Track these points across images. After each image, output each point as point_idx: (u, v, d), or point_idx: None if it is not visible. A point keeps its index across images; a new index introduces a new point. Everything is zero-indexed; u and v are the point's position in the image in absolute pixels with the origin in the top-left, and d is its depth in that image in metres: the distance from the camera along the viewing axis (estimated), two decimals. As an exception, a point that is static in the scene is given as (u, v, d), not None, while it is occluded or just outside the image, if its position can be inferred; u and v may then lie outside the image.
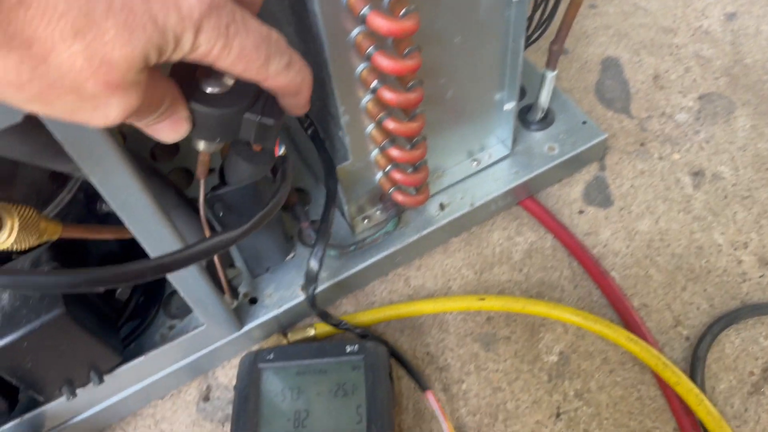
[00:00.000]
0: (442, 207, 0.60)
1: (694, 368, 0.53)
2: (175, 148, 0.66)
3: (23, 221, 0.33)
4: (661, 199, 0.63)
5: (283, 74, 0.31)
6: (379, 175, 0.55)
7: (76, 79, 0.23)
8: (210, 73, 0.33)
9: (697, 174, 0.64)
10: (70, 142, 0.32)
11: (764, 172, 0.64)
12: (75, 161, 0.33)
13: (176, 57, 0.27)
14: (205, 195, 0.43)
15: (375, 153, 0.52)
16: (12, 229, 0.32)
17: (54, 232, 0.35)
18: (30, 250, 0.43)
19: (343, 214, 0.59)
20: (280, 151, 0.40)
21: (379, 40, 0.42)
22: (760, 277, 0.57)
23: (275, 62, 0.31)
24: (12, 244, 0.32)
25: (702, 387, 0.52)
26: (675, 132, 0.68)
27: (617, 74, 0.73)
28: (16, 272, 0.24)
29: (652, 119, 0.69)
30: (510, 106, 0.56)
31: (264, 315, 0.55)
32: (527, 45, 0.55)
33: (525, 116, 0.63)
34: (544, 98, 0.61)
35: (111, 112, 0.25)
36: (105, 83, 0.24)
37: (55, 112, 0.25)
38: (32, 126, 0.33)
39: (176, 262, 0.30)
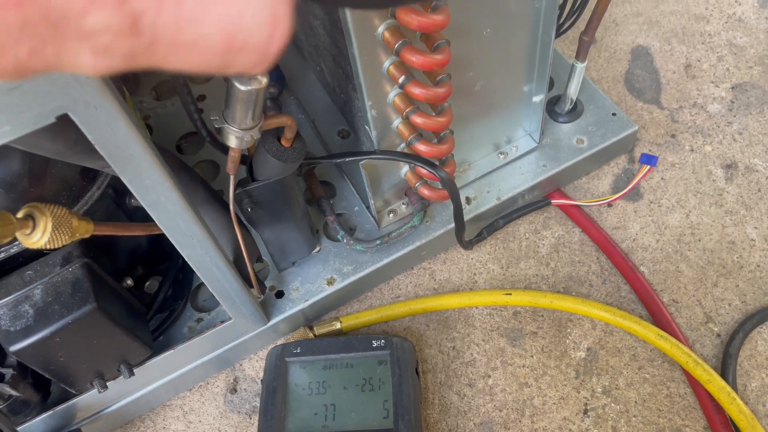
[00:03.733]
0: (468, 201, 0.59)
1: (726, 366, 0.52)
2: (201, 141, 0.66)
3: (56, 220, 0.33)
4: (692, 193, 0.62)
5: None
6: (405, 169, 0.55)
7: None
8: None
9: (730, 166, 0.63)
10: (101, 141, 0.32)
11: (800, 164, 0.62)
12: (106, 161, 0.33)
13: None
14: (235, 190, 0.43)
15: (402, 147, 0.52)
16: (45, 228, 0.32)
17: (86, 230, 0.36)
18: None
19: (368, 208, 0.59)
20: None
21: (408, 34, 0.42)
22: (795, 273, 0.56)
23: None
24: (45, 243, 0.33)
25: (734, 385, 0.51)
26: (707, 123, 0.66)
27: (647, 63, 0.71)
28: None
29: (683, 110, 0.67)
30: (539, 98, 0.55)
31: (290, 309, 0.55)
32: (557, 35, 0.54)
33: (553, 108, 0.62)
34: (573, 89, 0.60)
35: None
36: None
37: None
38: (63, 125, 0.34)
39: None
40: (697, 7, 0.75)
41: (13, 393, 0.44)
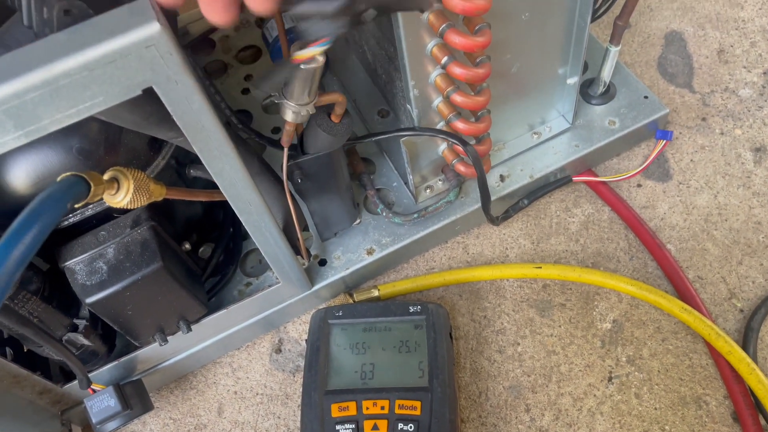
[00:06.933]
0: (502, 178, 0.62)
1: (747, 339, 0.54)
2: (249, 118, 0.70)
3: (137, 183, 0.37)
4: (721, 174, 0.64)
5: None
6: (443, 147, 0.58)
7: None
8: None
9: (759, 150, 0.65)
10: (178, 113, 0.36)
11: (829, 149, 0.64)
12: (180, 131, 0.37)
13: None
14: (287, 162, 0.47)
15: (440, 125, 0.55)
16: (128, 190, 0.36)
17: (159, 193, 0.40)
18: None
19: (407, 183, 0.62)
20: None
21: (451, 18, 0.44)
22: (819, 253, 0.58)
23: None
24: (127, 203, 0.37)
25: (754, 357, 0.53)
26: (738, 107, 0.68)
27: (680, 49, 0.73)
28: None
29: (714, 94, 0.69)
30: (573, 80, 0.58)
31: (332, 276, 0.59)
32: (593, 20, 0.56)
33: (586, 90, 0.65)
34: (607, 73, 0.62)
35: None
36: None
37: None
38: (142, 98, 0.37)
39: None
40: (732, -8, 0.76)
41: (85, 342, 0.49)
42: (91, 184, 0.33)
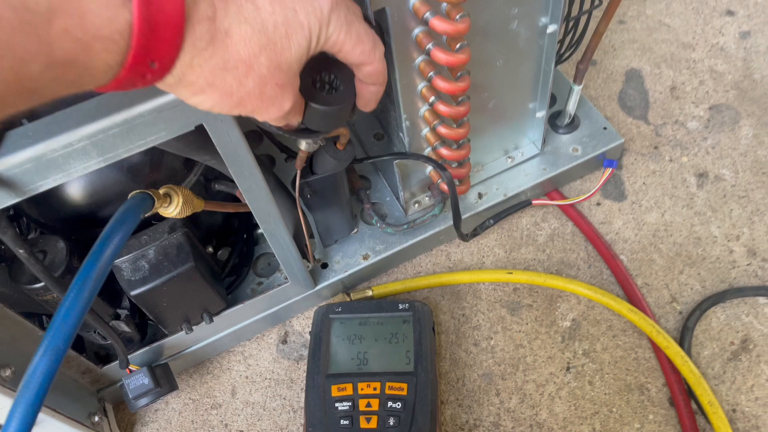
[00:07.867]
0: (480, 196, 0.72)
1: (683, 336, 0.64)
2: (260, 137, 0.79)
3: (185, 198, 0.46)
4: (668, 196, 0.74)
5: (382, 60, 0.41)
6: (429, 168, 0.68)
7: (263, 85, 0.33)
8: (322, 84, 0.43)
9: (702, 175, 0.75)
10: (220, 143, 0.45)
11: (761, 175, 0.74)
12: (218, 156, 0.46)
13: (315, 50, 0.36)
14: (300, 181, 0.56)
15: (428, 151, 0.65)
16: (178, 203, 0.45)
17: (200, 206, 0.49)
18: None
19: (398, 198, 0.72)
20: None
21: (437, 67, 0.54)
22: (748, 265, 0.68)
23: (378, 48, 0.40)
24: (177, 214, 0.46)
25: (688, 351, 0.63)
26: (685, 138, 0.78)
27: (639, 85, 0.83)
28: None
29: (666, 126, 0.79)
30: (541, 114, 0.68)
31: (332, 277, 0.68)
32: (558, 63, 0.66)
33: (554, 121, 0.75)
34: (571, 106, 0.72)
35: (275, 109, 0.36)
36: (278, 85, 0.34)
37: (246, 111, 0.35)
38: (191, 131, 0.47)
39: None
40: (685, 36, 0.87)
41: (126, 329, 0.58)
42: (155, 199, 0.42)
